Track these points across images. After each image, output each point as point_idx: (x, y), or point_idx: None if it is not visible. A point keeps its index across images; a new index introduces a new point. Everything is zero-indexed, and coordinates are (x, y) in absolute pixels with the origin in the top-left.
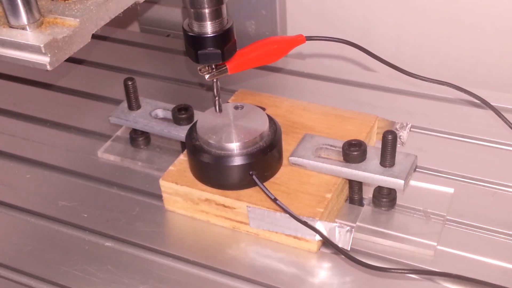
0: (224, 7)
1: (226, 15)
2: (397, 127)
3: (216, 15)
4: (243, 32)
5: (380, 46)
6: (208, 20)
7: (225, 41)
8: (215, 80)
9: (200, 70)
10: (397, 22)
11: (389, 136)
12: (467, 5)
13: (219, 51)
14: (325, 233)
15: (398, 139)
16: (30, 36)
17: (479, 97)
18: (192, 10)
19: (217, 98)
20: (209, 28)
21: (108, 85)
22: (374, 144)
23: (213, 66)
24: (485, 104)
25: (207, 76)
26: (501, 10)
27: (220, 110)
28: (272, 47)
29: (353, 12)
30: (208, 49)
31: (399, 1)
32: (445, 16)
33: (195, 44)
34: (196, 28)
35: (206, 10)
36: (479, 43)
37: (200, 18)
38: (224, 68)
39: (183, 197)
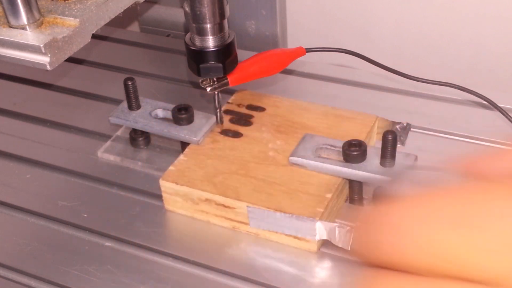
0: (225, 21)
1: (227, 30)
2: (397, 127)
3: (218, 29)
4: (243, 32)
5: (380, 44)
6: (210, 34)
7: (226, 55)
8: (216, 92)
9: (201, 82)
10: (398, 21)
11: (389, 136)
12: (467, 5)
13: (220, 64)
14: (325, 233)
15: (398, 139)
16: (30, 36)
17: (486, 97)
18: (194, 25)
19: (218, 110)
20: (210, 42)
21: (108, 85)
22: (374, 144)
23: (215, 79)
24: (492, 105)
25: (208, 89)
26: (502, 10)
27: (222, 122)
28: (272, 60)
29: (354, 12)
30: (210, 62)
31: (400, 1)
32: (445, 16)
33: (197, 58)
34: (198, 42)
35: (208, 25)
36: (479, 43)
37: (202, 32)
38: (225, 81)
39: (183, 197)
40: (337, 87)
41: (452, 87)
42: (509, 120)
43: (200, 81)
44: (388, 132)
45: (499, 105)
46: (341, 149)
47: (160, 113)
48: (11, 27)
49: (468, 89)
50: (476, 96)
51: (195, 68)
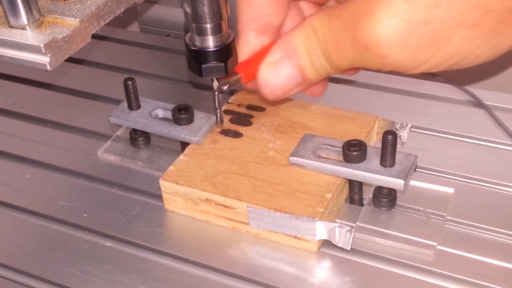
0: (226, 21)
1: (228, 29)
2: (397, 127)
3: (219, 29)
4: None
5: None
6: (210, 34)
7: (228, 54)
8: (216, 92)
9: (219, 81)
10: None
11: (389, 136)
12: None
13: (222, 64)
14: (325, 233)
15: (398, 139)
16: (30, 36)
17: (474, 94)
18: (194, 25)
19: (218, 110)
20: (211, 42)
21: (108, 85)
22: (374, 144)
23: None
24: (480, 102)
25: (225, 87)
26: None
27: (222, 122)
28: None
29: None
30: (212, 62)
31: None
32: None
33: (198, 58)
34: (198, 42)
35: (209, 25)
36: None
37: (202, 32)
38: (238, 76)
39: (183, 197)
40: (337, 87)
41: (445, 82)
42: (496, 120)
43: (215, 79)
44: (388, 132)
45: (486, 103)
46: (341, 149)
47: (160, 113)
48: (11, 27)
49: (458, 85)
50: (466, 92)
51: (196, 69)
